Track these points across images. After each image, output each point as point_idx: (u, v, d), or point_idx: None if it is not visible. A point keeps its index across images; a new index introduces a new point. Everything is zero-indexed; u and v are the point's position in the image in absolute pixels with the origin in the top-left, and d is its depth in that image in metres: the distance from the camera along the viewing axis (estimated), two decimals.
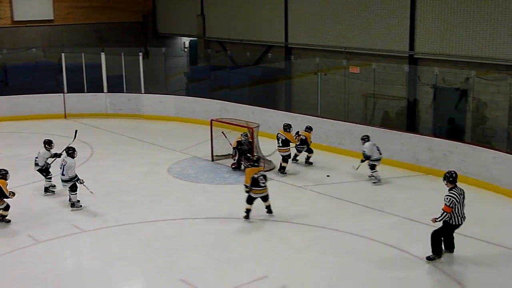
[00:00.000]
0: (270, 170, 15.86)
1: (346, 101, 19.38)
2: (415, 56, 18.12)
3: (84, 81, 23.37)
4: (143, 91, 22.94)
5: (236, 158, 15.96)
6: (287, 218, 12.63)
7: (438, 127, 17.37)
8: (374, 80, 18.57)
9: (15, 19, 25.99)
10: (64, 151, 13.64)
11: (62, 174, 13.26)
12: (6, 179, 12.47)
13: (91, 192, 13.39)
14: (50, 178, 14.30)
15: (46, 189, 14.32)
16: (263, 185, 12.46)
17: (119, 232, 12.12)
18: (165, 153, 17.48)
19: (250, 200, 12.56)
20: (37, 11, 26.59)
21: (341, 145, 17.48)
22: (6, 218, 12.53)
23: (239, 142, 15.96)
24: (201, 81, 24.37)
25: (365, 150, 14.93)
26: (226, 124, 17.10)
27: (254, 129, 16.08)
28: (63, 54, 23.41)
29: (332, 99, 20.09)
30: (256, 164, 12.88)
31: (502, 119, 16.11)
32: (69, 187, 13.29)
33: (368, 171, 14.99)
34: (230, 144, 16.45)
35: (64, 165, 13.22)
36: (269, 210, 12.76)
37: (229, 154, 16.73)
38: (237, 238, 11.84)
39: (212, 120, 17.24)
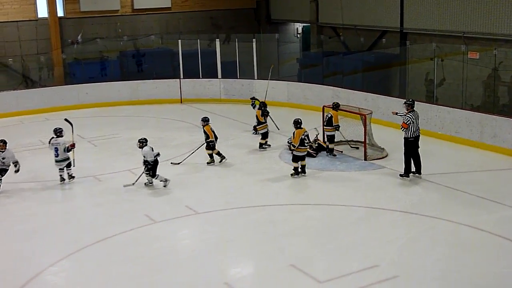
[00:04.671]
0: (383, 157, 15.60)
1: (464, 88, 18.65)
2: None
3: (200, 67, 24.00)
4: (256, 77, 23.20)
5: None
6: (398, 207, 12.37)
7: None
8: (495, 66, 17.75)
9: (135, 7, 26.97)
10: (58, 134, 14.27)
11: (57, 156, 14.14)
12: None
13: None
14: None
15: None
16: (306, 144, 14.35)
17: (229, 215, 12.37)
18: (276, 139, 17.56)
19: (296, 159, 14.28)
20: None
21: (458, 133, 16.85)
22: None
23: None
24: (314, 67, 24.27)
25: None
26: (339, 111, 16.90)
27: (366, 115, 15.84)
28: (179, 40, 24.15)
29: (449, 86, 19.40)
30: (299, 126, 14.28)
31: None
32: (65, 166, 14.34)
33: None
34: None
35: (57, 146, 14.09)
36: (303, 170, 14.38)
37: (341, 141, 16.62)
38: (347, 226, 11.73)
39: (324, 106, 17.13)
